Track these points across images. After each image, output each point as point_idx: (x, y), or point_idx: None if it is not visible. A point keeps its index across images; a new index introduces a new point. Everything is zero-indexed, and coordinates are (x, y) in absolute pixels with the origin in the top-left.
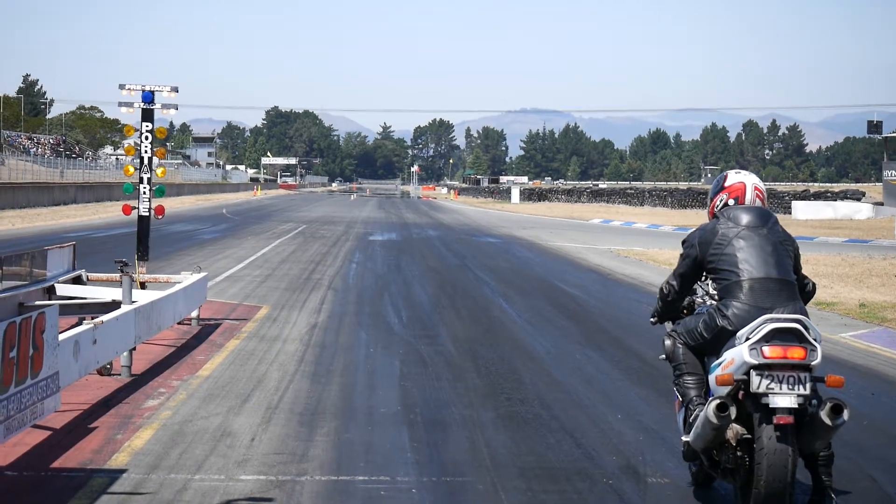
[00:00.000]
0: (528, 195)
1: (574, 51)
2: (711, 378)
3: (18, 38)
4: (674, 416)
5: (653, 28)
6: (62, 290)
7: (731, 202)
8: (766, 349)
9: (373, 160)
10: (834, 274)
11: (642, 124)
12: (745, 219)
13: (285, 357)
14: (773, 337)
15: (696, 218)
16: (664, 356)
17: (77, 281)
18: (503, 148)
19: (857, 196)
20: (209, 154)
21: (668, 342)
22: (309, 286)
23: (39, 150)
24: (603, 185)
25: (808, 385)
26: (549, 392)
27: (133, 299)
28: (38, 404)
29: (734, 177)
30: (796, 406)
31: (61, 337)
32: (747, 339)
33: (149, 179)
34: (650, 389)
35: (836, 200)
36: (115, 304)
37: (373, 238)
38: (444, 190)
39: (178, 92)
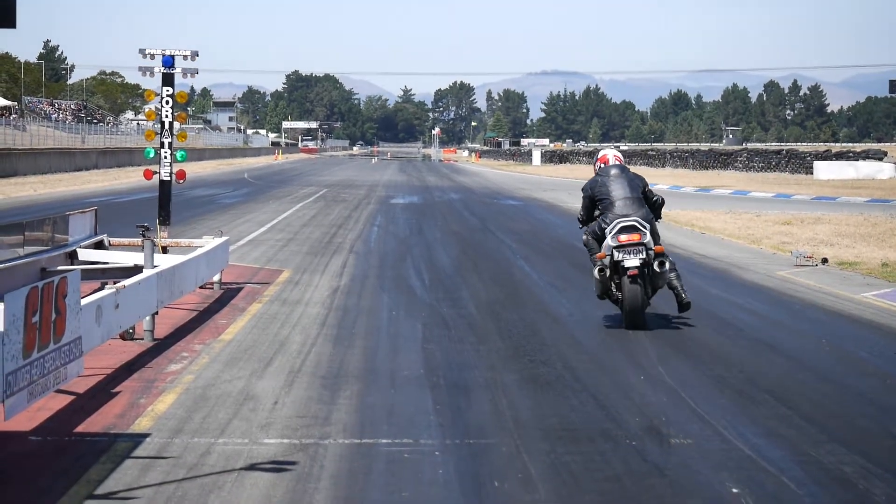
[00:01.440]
0: (550, 157)
1: (595, 12)
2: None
3: (38, 4)
4: (695, 376)
5: None
6: (84, 254)
7: (602, 165)
8: (619, 236)
9: (394, 123)
10: (856, 234)
11: (663, 85)
12: (612, 171)
13: (307, 320)
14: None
15: (718, 178)
16: (584, 244)
17: (99, 246)
18: (524, 110)
19: (879, 156)
20: (230, 118)
21: (584, 237)
22: (331, 250)
23: (61, 115)
24: (624, 146)
25: (644, 253)
26: (571, 353)
27: (155, 264)
28: (60, 369)
29: (602, 153)
30: (638, 264)
31: (84, 302)
32: (610, 232)
33: (170, 144)
34: (673, 350)
35: (857, 160)
36: (137, 269)
37: (394, 201)
38: (466, 153)
39: (198, 56)
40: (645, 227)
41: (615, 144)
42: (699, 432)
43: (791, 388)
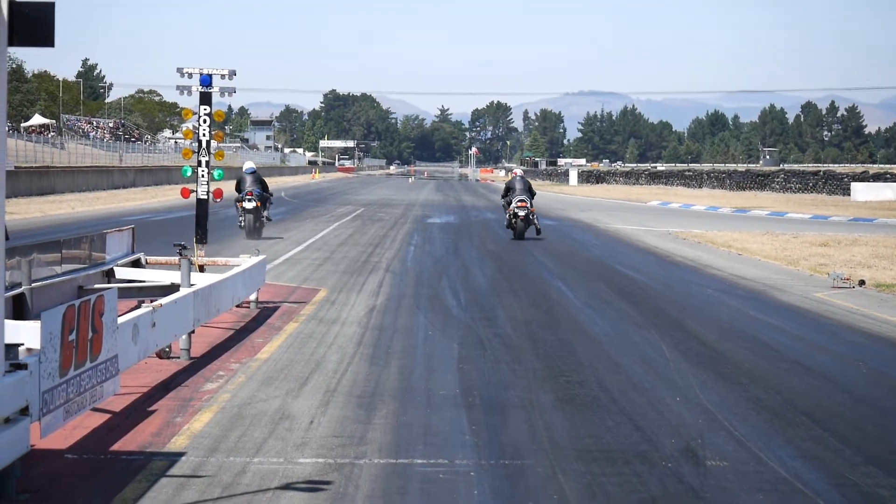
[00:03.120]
0: (586, 177)
1: (632, 32)
2: (511, 207)
3: (77, 22)
4: (731, 397)
5: (711, 8)
6: (121, 273)
7: (513, 176)
8: (518, 203)
9: (430, 143)
10: (894, 256)
11: (700, 106)
12: (517, 178)
13: (344, 340)
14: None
15: (755, 199)
16: (503, 206)
17: (136, 264)
18: (561, 130)
19: None
20: (267, 137)
21: (503, 202)
22: (367, 269)
23: (99, 133)
24: (661, 167)
25: (527, 210)
26: (607, 374)
27: (192, 282)
28: (97, 387)
29: (514, 169)
30: (524, 214)
31: (120, 320)
32: (515, 201)
33: (207, 163)
34: (709, 372)
35: (895, 182)
36: (173, 288)
37: (431, 221)
38: (503, 173)
39: (235, 75)
40: (528, 201)
41: (652, 165)
42: (735, 454)
43: (828, 410)
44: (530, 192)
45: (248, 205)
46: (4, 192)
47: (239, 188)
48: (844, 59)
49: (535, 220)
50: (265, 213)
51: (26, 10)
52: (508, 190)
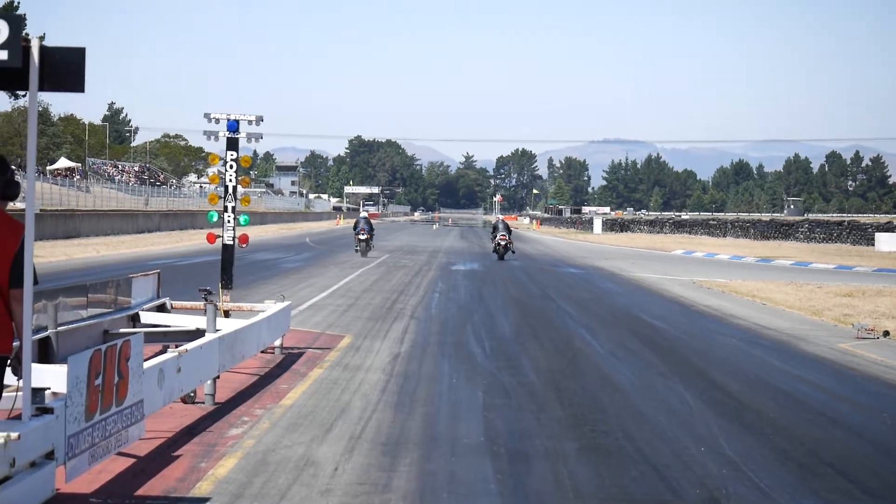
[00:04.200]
0: (611, 226)
1: (657, 81)
2: (496, 239)
3: (104, 66)
4: (756, 448)
5: (735, 59)
6: (147, 317)
7: (494, 220)
8: (500, 237)
9: (455, 190)
10: None
11: (725, 155)
12: (500, 220)
13: (368, 387)
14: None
15: (779, 249)
16: (491, 240)
17: (161, 309)
18: (585, 178)
19: None
20: (292, 183)
21: (490, 236)
22: (392, 316)
23: (124, 177)
24: (685, 215)
25: (506, 241)
26: (632, 424)
27: (217, 328)
28: (122, 432)
29: (496, 216)
30: (504, 244)
31: (146, 365)
32: (498, 236)
33: (233, 208)
34: (734, 422)
35: None
36: (199, 333)
37: (455, 268)
38: (527, 220)
39: (263, 121)
40: (508, 235)
41: (676, 214)
42: None
43: (852, 461)
44: (508, 230)
45: (362, 237)
46: (33, 236)
47: (355, 227)
48: (869, 110)
49: (511, 247)
50: (372, 242)
51: (57, 55)
52: (494, 229)
